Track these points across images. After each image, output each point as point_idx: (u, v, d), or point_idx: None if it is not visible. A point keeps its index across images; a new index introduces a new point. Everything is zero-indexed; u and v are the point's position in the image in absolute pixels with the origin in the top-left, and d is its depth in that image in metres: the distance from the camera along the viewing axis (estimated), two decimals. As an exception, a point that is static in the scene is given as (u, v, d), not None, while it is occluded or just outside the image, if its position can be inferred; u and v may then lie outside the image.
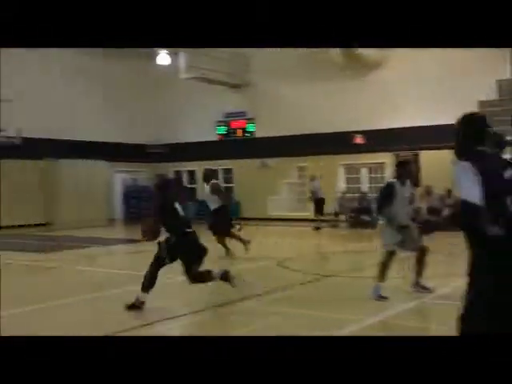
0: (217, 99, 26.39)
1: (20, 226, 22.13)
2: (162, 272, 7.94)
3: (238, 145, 26.32)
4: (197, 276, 7.96)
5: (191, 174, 28.16)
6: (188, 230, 7.96)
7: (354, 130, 22.90)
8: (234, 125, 26.79)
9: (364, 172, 23.77)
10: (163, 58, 25.62)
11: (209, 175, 13.39)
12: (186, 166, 28.21)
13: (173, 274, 8.51)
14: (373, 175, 23.47)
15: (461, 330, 4.00)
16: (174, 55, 25.15)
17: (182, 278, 8.08)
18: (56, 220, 23.49)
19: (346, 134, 22.93)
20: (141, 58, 26.41)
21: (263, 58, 24.60)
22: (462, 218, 3.97)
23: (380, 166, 23.14)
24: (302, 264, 12.49)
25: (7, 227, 21.45)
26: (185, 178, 28.37)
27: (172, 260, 7.91)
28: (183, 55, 24.11)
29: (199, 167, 27.39)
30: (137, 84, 27.52)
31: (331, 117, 23.14)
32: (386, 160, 22.13)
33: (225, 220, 13.00)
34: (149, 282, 7.83)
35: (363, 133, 22.81)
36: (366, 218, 20.90)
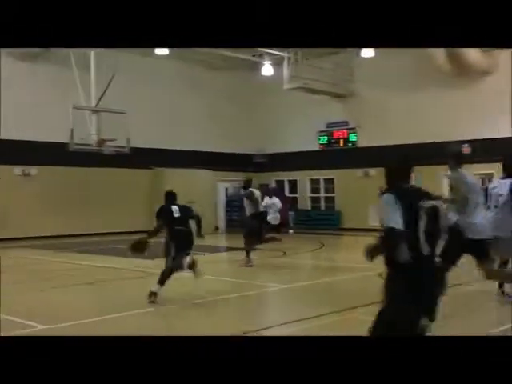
0: (319, 109, 26.42)
1: (129, 233, 22.98)
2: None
3: (340, 154, 26.21)
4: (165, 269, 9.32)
5: (293, 183, 28.31)
6: (177, 228, 9.39)
7: (461, 140, 22.25)
8: (337, 134, 26.72)
9: (470, 183, 23.01)
10: (267, 68, 25.91)
11: (248, 183, 14.42)
12: (287, 176, 28.40)
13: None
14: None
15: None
16: (276, 66, 25.42)
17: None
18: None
19: (453, 144, 22.30)
20: (245, 69, 26.91)
21: (367, 68, 24.45)
22: (385, 243, 4.38)
23: (487, 177, 22.33)
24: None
25: (117, 233, 22.34)
26: (286, 187, 28.55)
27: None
28: (286, 66, 24.33)
29: (301, 177, 27.59)
30: (240, 94, 28.03)
31: (435, 126, 22.63)
32: (494, 171, 21.35)
33: (256, 227, 13.89)
34: (162, 277, 9.20)
35: (470, 142, 22.13)
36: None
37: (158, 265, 10.52)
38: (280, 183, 28.78)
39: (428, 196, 4.60)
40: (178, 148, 25.33)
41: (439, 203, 4.82)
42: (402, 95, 23.90)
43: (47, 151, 21.64)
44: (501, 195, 8.04)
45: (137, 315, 8.45)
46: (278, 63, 25.28)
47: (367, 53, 23.59)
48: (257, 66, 26.53)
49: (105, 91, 18.97)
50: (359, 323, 7.84)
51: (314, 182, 27.82)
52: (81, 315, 8.28)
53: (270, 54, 24.72)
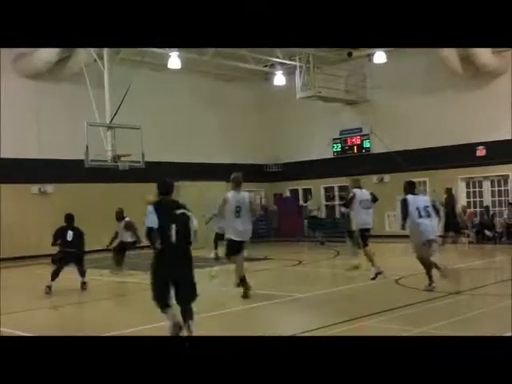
0: (333, 117, 26.45)
1: (146, 247, 23.00)
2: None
3: (354, 161, 26.12)
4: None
5: (306, 192, 28.21)
6: (67, 250, 12.10)
7: (476, 142, 22.18)
8: (350, 141, 26.65)
9: (486, 185, 22.87)
10: (279, 78, 25.93)
11: (120, 214, 16.07)
12: (301, 185, 28.37)
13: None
14: (496, 188, 22.55)
15: None
16: (288, 76, 25.49)
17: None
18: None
19: (468, 147, 22.24)
20: (257, 80, 26.99)
21: (379, 73, 24.44)
22: (146, 236, 7.01)
23: (503, 179, 22.24)
24: (421, 282, 12.21)
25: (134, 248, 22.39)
26: (301, 196, 28.52)
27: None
28: (299, 75, 24.35)
29: (315, 185, 27.54)
30: (253, 105, 28.14)
31: (449, 129, 22.56)
32: (510, 172, 21.36)
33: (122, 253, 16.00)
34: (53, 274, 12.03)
35: (485, 144, 22.05)
36: (489, 233, 20.26)
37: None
38: (294, 192, 28.79)
39: (182, 207, 7.05)
40: (192, 161, 25.41)
41: (189, 211, 7.13)
42: (416, 100, 23.84)
43: (63, 169, 21.86)
44: None
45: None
46: (290, 73, 25.35)
47: (379, 58, 23.53)
48: (269, 77, 26.62)
49: (119, 107, 19.08)
50: (375, 330, 7.87)
51: (329, 189, 27.78)
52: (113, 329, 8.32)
53: (282, 63, 24.79)
